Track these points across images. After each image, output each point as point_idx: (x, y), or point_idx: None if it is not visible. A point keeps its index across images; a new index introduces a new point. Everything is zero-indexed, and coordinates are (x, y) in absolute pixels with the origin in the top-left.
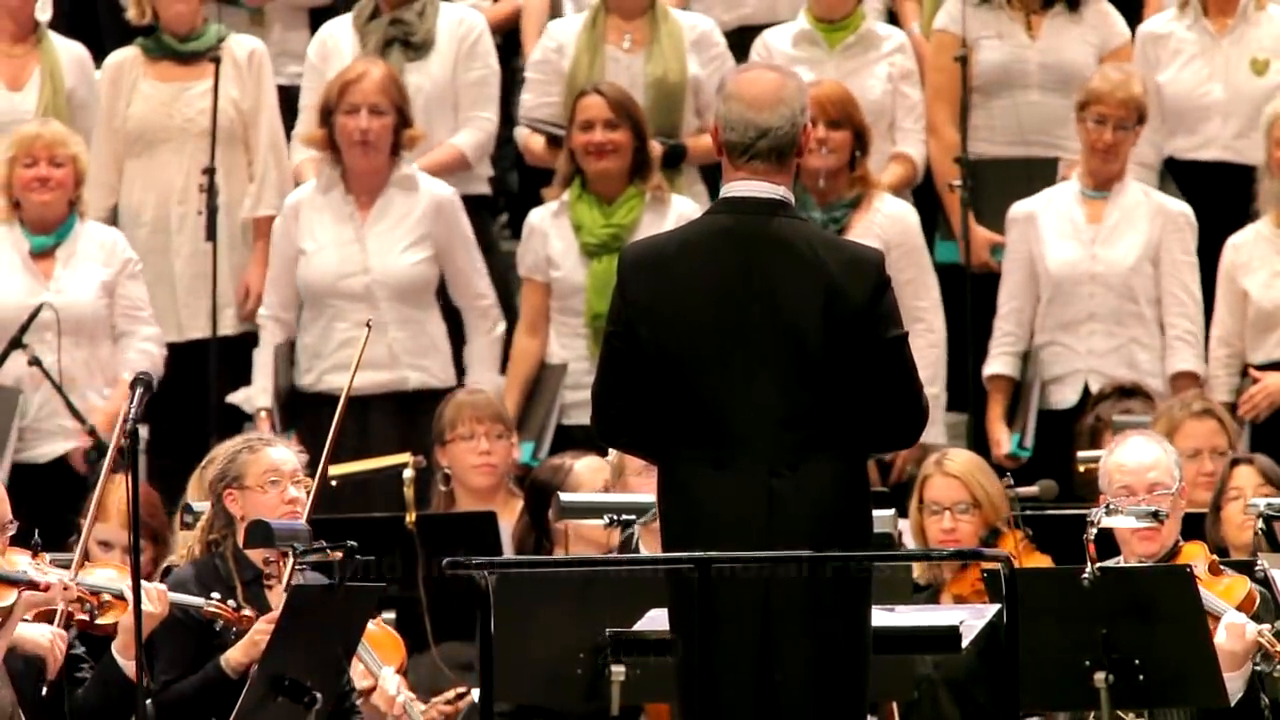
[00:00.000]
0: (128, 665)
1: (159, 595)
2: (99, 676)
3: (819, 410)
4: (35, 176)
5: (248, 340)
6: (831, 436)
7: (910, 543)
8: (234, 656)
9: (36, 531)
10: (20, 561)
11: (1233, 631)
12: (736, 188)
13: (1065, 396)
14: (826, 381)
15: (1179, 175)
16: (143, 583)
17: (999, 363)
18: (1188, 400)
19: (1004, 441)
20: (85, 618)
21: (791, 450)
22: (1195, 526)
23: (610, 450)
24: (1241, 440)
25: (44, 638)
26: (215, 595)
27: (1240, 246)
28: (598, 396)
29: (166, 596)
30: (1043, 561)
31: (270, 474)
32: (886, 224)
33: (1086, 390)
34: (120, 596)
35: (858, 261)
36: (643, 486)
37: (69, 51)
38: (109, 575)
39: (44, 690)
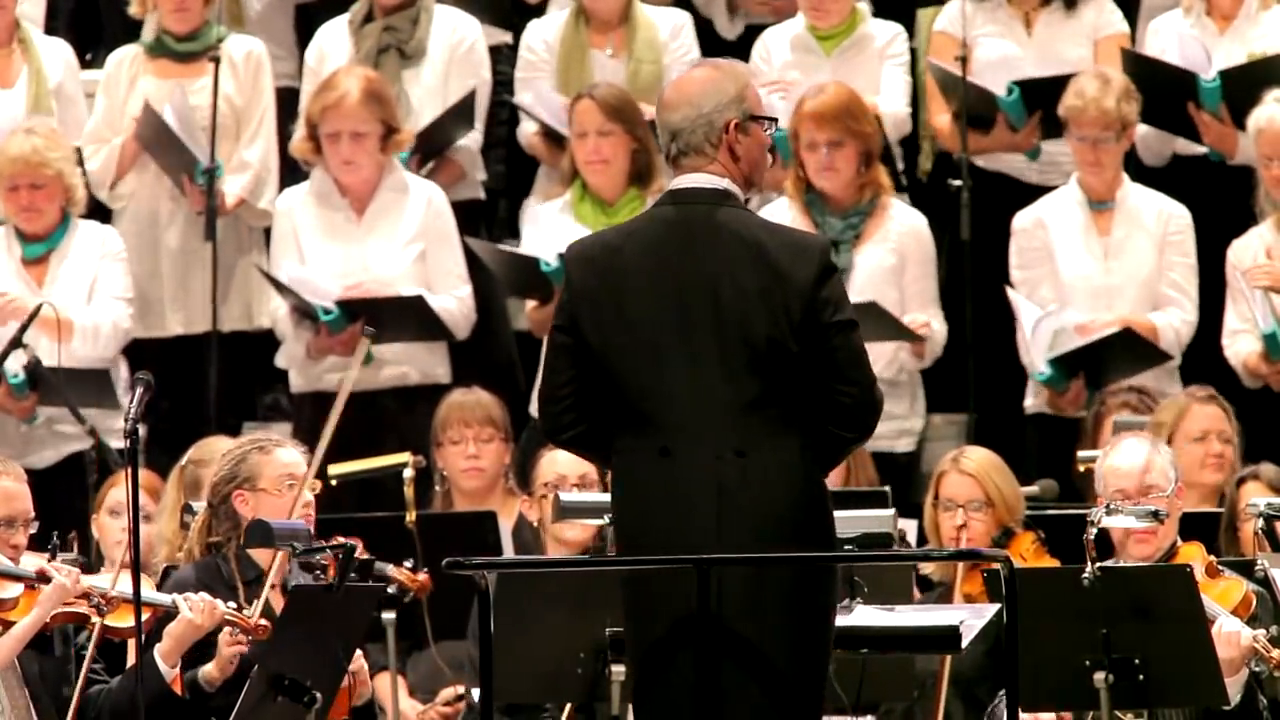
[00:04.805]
0: (169, 671)
1: (208, 609)
2: (134, 676)
3: (765, 397)
4: (18, 205)
5: (246, 338)
6: (780, 423)
7: (913, 540)
8: (209, 673)
9: (55, 534)
10: (31, 563)
11: (1228, 639)
12: (680, 180)
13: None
14: (772, 368)
15: (1180, 172)
16: (190, 595)
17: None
18: (1193, 391)
19: None
20: (97, 620)
21: (737, 436)
22: (1194, 527)
23: None
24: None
25: (58, 589)
26: (231, 604)
27: (1244, 251)
28: (542, 392)
29: (217, 611)
30: (1053, 565)
31: (286, 477)
32: (900, 232)
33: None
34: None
35: (800, 247)
36: None
37: (53, 50)
38: (122, 580)
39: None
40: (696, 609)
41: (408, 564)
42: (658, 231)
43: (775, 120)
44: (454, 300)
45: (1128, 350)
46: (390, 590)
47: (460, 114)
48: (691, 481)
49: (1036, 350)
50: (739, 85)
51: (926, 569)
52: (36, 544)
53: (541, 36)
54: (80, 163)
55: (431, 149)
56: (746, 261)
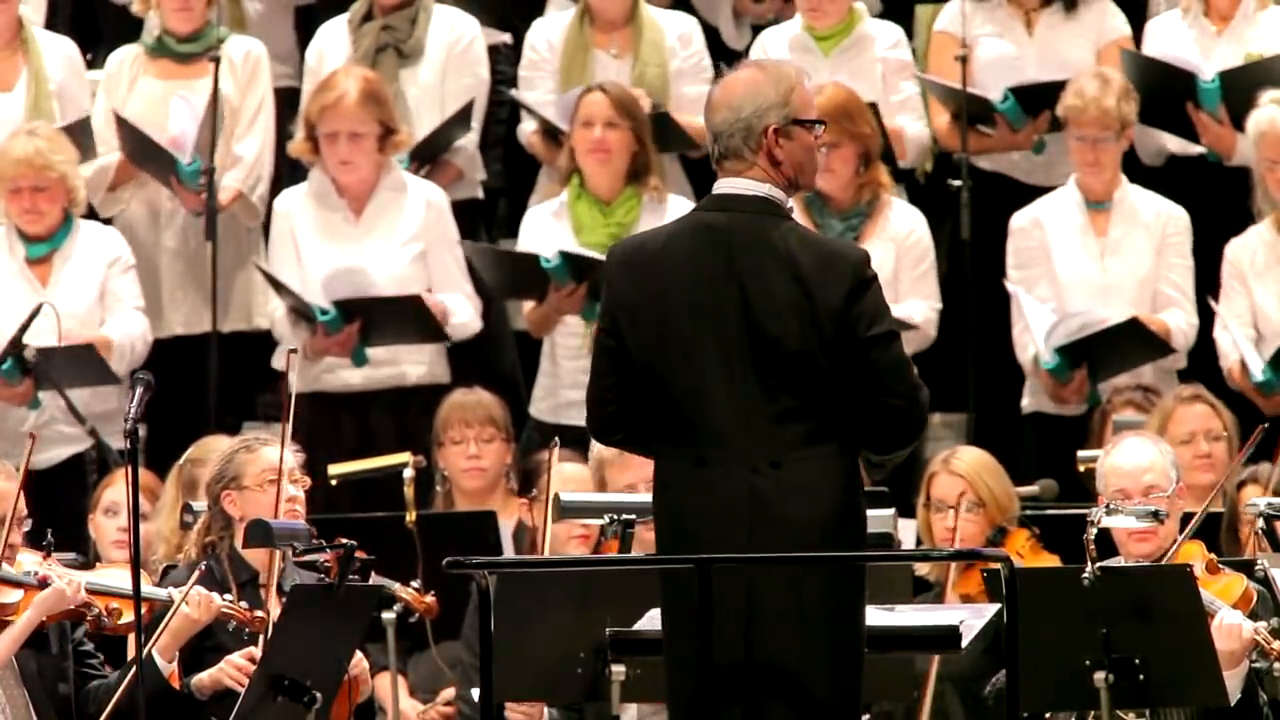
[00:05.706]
0: (166, 666)
1: (205, 602)
2: (132, 671)
3: (800, 409)
4: (22, 208)
5: (245, 338)
6: (815, 435)
7: (910, 541)
8: (201, 681)
9: (49, 532)
10: (28, 562)
11: (1229, 631)
12: (723, 184)
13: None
14: (806, 381)
15: (1178, 172)
16: (190, 590)
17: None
18: (1179, 391)
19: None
20: (94, 619)
21: (772, 448)
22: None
23: (593, 449)
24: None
25: (56, 595)
26: (228, 596)
27: (1242, 250)
28: (590, 394)
29: (214, 604)
30: (1051, 561)
31: (269, 473)
32: (900, 230)
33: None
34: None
35: (835, 260)
36: (624, 485)
37: (56, 48)
38: (121, 576)
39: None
40: (698, 610)
41: (415, 584)
42: (697, 238)
43: (824, 123)
44: (468, 304)
45: (1131, 341)
46: (396, 609)
47: (458, 122)
48: (726, 492)
49: (1046, 341)
50: (782, 89)
51: (921, 570)
52: (32, 542)
53: (545, 36)
54: (93, 155)
55: (429, 155)
56: (780, 275)
